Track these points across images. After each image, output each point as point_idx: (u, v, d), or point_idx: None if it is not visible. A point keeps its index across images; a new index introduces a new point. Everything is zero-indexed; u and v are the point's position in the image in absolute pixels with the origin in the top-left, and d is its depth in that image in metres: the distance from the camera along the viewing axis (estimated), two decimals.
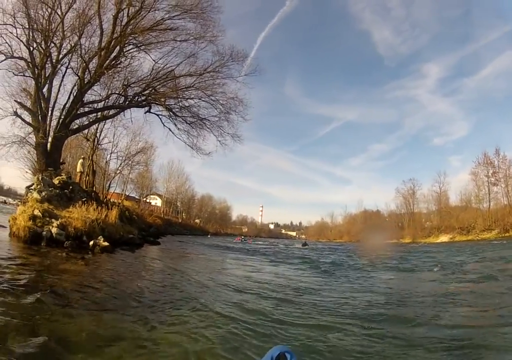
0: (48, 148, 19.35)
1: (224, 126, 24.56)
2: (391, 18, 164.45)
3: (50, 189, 16.09)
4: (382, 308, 7.73)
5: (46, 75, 19.85)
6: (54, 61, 20.01)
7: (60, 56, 20.34)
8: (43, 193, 15.49)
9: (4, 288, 6.19)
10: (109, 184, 36.80)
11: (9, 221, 14.59)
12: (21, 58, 19.36)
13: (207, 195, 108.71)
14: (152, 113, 24.19)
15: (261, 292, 9.19)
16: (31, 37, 19.19)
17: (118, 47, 21.39)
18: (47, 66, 19.93)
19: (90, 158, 26.49)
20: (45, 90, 19.77)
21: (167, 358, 4.38)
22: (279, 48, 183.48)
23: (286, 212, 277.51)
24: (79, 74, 20.51)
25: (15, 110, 19.10)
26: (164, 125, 24.52)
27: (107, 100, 22.54)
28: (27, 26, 18.96)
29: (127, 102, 22.88)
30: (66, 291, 7.04)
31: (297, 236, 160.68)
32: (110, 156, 35.47)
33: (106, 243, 14.13)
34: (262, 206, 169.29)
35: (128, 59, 22.45)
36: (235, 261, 18.93)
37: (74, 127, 21.69)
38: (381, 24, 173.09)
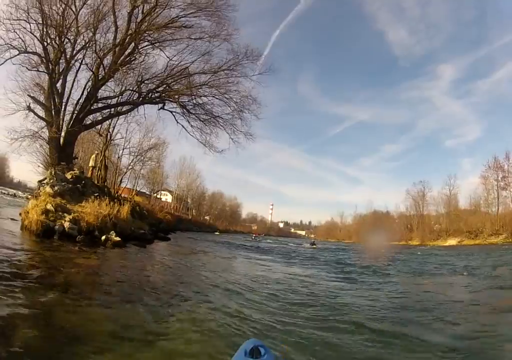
0: (61, 143, 19.48)
1: (237, 124, 24.38)
2: (406, 18, 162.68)
3: (63, 183, 16.19)
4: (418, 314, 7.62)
5: (60, 71, 19.95)
6: (68, 56, 20.11)
7: (74, 51, 20.49)
8: (56, 188, 15.60)
9: (19, 280, 6.25)
10: (121, 179, 37.22)
11: (20, 215, 14.77)
12: (34, 53, 19.50)
13: (218, 192, 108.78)
14: (165, 110, 24.13)
15: (273, 292, 9.14)
16: (45, 32, 19.28)
17: (132, 44, 21.39)
18: (61, 61, 20.02)
19: (103, 153, 26.62)
20: (58, 85, 19.88)
21: (177, 352, 4.41)
22: (294, 47, 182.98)
23: (296, 211, 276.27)
24: (93, 70, 20.58)
25: (28, 105, 19.23)
26: (177, 122, 24.46)
27: (121, 96, 22.63)
28: (41, 22, 19.07)
29: (140, 99, 22.91)
30: (79, 284, 7.13)
31: (306, 235, 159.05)
32: (123, 151, 35.94)
33: (118, 238, 14.21)
34: (272, 204, 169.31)
35: (143, 56, 22.50)
36: (246, 259, 18.98)
37: (88, 123, 21.82)
38: (396, 24, 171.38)
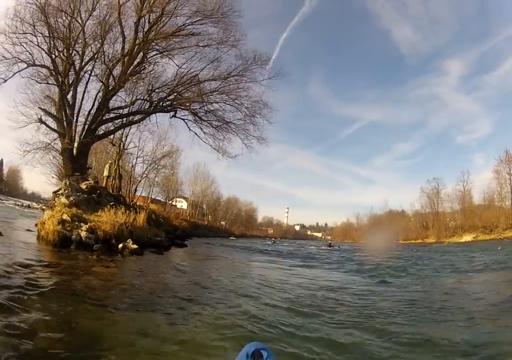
0: (74, 154, 19.63)
1: (249, 129, 24.34)
2: (410, 15, 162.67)
3: (78, 194, 16.29)
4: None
5: (70, 82, 20.21)
6: (77, 68, 20.33)
7: (83, 63, 20.71)
8: (71, 198, 15.70)
9: (39, 289, 6.27)
10: (136, 188, 37.34)
11: (36, 226, 14.88)
12: (43, 66, 19.77)
13: (233, 197, 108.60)
14: (177, 117, 24.23)
15: (293, 297, 9.03)
16: (52, 45, 19.53)
17: (141, 53, 21.58)
18: (70, 73, 20.26)
19: (116, 162, 26.79)
20: (69, 96, 20.08)
21: (194, 358, 4.40)
22: (302, 49, 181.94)
23: (311, 214, 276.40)
24: (103, 80, 20.76)
25: (39, 117, 19.48)
26: (189, 129, 24.56)
27: (132, 106, 22.73)
28: (48, 35, 19.33)
29: (152, 107, 22.99)
30: (98, 291, 7.14)
31: (323, 237, 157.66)
32: (136, 160, 36.10)
33: (135, 246, 14.22)
34: (287, 208, 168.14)
35: (152, 65, 22.66)
36: (264, 263, 18.81)
37: (100, 133, 21.98)
38: (401, 21, 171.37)
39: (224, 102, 24.11)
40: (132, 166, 36.61)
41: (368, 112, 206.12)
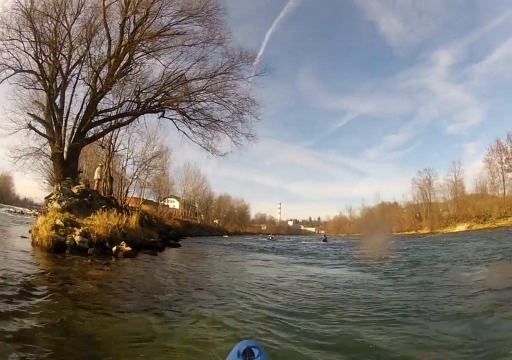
0: (65, 158, 19.60)
1: (238, 127, 24.46)
2: (397, 7, 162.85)
3: (70, 198, 16.33)
4: None
5: (58, 87, 20.15)
6: (64, 72, 20.25)
7: (70, 67, 20.61)
8: (63, 203, 15.75)
9: (35, 294, 6.41)
10: (127, 190, 37.33)
11: (30, 232, 14.93)
12: (30, 71, 19.70)
13: (225, 195, 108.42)
14: (166, 117, 24.23)
15: (291, 296, 8.96)
16: (38, 50, 19.45)
17: (127, 55, 21.54)
18: (57, 77, 20.22)
19: (107, 165, 26.73)
20: (57, 101, 20.03)
21: (186, 355, 4.49)
22: (289, 44, 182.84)
23: (304, 208, 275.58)
24: (90, 83, 20.71)
25: (28, 123, 19.50)
26: (178, 129, 24.53)
27: (120, 108, 22.72)
28: (34, 40, 19.26)
29: (140, 108, 23.00)
30: (93, 295, 7.25)
31: (316, 231, 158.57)
32: (127, 162, 36.01)
33: (128, 248, 14.29)
34: (280, 203, 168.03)
35: (138, 66, 22.63)
36: (258, 261, 18.58)
37: (89, 136, 21.94)
38: (389, 13, 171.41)
39: (212, 101, 24.16)
40: (123, 167, 36.55)
41: (358, 104, 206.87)
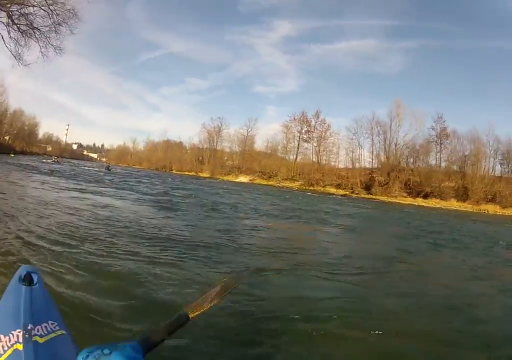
0: None
1: (51, 37, 23.26)
2: None
3: None
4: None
5: None
6: None
7: None
8: None
9: None
10: None
11: None
12: None
13: (19, 110, 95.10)
14: None
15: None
16: None
17: None
18: None
19: None
20: None
21: None
22: None
23: (92, 134, 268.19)
24: None
25: None
26: None
27: None
28: None
29: None
30: None
31: (98, 158, 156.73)
32: None
33: None
34: (68, 125, 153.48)
35: None
36: (48, 186, 16.57)
37: None
38: None
39: (40, 7, 22.43)
40: None
41: (175, 42, 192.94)
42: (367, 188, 58.53)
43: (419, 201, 52.10)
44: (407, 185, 56.47)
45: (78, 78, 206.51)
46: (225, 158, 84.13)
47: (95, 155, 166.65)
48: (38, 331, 1.29)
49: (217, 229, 9.48)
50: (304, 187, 61.57)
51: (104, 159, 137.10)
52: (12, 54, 22.61)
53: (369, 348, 3.58)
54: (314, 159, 70.27)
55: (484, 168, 56.06)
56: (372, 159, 65.30)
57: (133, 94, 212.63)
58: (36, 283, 1.66)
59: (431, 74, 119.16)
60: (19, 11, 22.22)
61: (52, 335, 1.30)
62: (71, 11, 22.94)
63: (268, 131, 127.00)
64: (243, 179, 70.69)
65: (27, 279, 1.64)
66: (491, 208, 47.63)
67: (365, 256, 8.44)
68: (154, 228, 8.48)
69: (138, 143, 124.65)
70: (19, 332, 1.26)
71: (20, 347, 1.18)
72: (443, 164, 59.76)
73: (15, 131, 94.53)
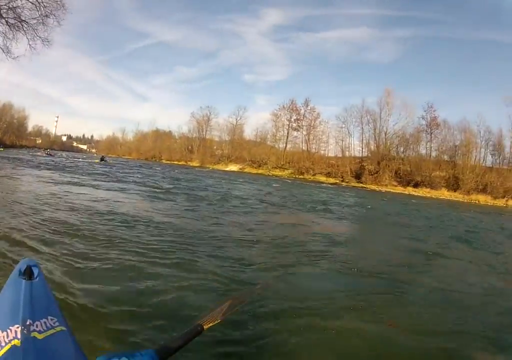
0: None
1: (39, 30, 23.86)
2: None
3: None
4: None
5: None
6: None
7: None
8: None
9: None
10: None
11: None
12: None
13: (8, 103, 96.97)
14: None
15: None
16: None
17: None
18: None
19: None
20: None
21: None
22: None
23: (80, 125, 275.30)
24: None
25: None
26: None
27: None
28: None
29: None
30: None
31: (88, 149, 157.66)
32: None
33: None
34: (57, 117, 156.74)
35: None
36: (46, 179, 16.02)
37: None
38: None
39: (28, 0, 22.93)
40: None
41: (164, 31, 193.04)
42: (357, 176, 58.89)
43: (410, 190, 52.54)
44: (397, 174, 56.97)
45: (66, 69, 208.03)
46: (215, 147, 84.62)
47: (84, 147, 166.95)
48: (37, 326, 1.29)
49: (215, 223, 9.24)
50: (294, 176, 62.05)
51: (94, 150, 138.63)
52: (0, 47, 23.30)
53: (387, 344, 3.48)
54: (303, 147, 70.69)
55: (475, 159, 56.26)
56: (362, 148, 65.63)
57: (121, 83, 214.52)
58: (36, 277, 1.64)
59: (422, 63, 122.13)
60: (8, 5, 22.62)
61: (52, 331, 1.30)
62: (58, 2, 23.64)
63: (258, 120, 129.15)
64: (233, 167, 71.15)
65: (27, 273, 1.63)
66: (482, 199, 48.05)
67: (379, 250, 8.22)
68: (158, 223, 8.11)
69: (127, 133, 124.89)
70: (18, 327, 1.26)
71: (18, 343, 1.18)
72: (433, 154, 59.97)
73: (5, 125, 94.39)
